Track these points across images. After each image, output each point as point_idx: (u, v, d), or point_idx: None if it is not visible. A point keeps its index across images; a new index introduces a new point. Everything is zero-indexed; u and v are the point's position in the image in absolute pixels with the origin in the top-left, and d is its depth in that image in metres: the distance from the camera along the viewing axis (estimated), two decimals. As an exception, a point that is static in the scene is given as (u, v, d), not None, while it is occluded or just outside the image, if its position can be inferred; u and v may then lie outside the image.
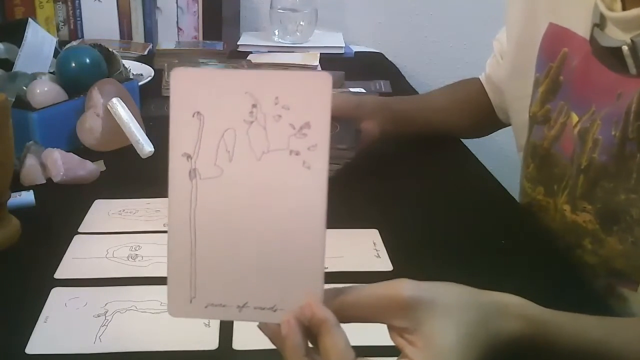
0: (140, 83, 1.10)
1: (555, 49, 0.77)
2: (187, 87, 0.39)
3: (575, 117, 0.74)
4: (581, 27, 0.74)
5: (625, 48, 0.65)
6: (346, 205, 0.76)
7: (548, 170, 0.79)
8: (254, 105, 0.38)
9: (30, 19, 1.05)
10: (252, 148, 0.39)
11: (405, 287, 0.41)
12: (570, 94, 0.76)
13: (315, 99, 0.38)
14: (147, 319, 0.56)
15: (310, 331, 0.40)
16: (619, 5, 0.68)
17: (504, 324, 0.43)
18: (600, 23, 0.70)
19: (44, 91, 0.89)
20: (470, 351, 0.40)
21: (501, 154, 1.22)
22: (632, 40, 0.65)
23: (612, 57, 0.68)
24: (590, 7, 0.71)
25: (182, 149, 0.39)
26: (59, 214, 0.75)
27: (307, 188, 0.39)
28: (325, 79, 0.38)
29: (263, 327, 0.42)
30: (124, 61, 1.06)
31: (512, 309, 0.44)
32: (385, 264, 0.66)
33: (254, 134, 0.39)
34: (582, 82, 0.74)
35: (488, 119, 1.00)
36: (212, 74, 0.40)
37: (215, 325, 0.56)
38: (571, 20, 0.76)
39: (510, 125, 0.99)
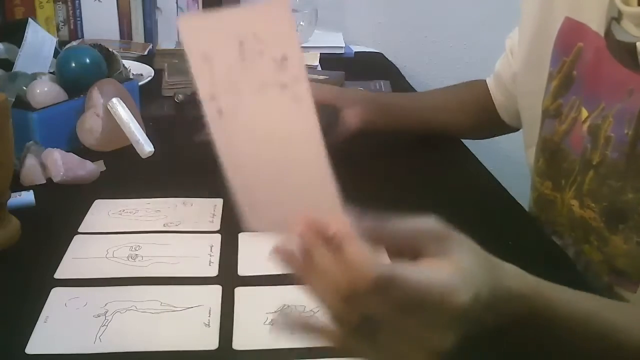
0: (140, 83, 1.10)
1: (571, 43, 0.77)
2: (194, 32, 0.40)
3: (585, 112, 0.74)
4: (595, 22, 0.74)
5: (639, 44, 0.65)
6: (346, 205, 0.76)
7: (557, 165, 0.79)
8: (241, 43, 0.39)
9: (30, 19, 1.05)
10: (251, 83, 0.40)
11: (439, 221, 0.45)
12: (582, 89, 0.76)
13: (280, 28, 0.38)
14: (147, 319, 0.56)
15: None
16: (635, 0, 0.68)
17: (506, 279, 0.45)
18: (617, 17, 0.70)
19: (44, 91, 0.89)
20: (491, 282, 0.43)
21: (502, 155, 1.22)
22: None
23: (625, 52, 0.68)
24: (606, 1, 0.71)
25: (207, 91, 0.41)
26: (59, 214, 0.75)
27: (300, 120, 0.40)
28: (280, 3, 0.38)
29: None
30: (124, 61, 1.06)
31: (512, 270, 0.47)
32: (385, 264, 0.66)
33: (249, 70, 0.40)
34: (593, 77, 0.74)
35: (490, 121, 0.99)
36: (211, 17, 0.40)
37: (215, 325, 0.56)
38: (587, 15, 0.76)
39: (512, 128, 0.99)
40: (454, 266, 0.41)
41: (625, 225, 0.68)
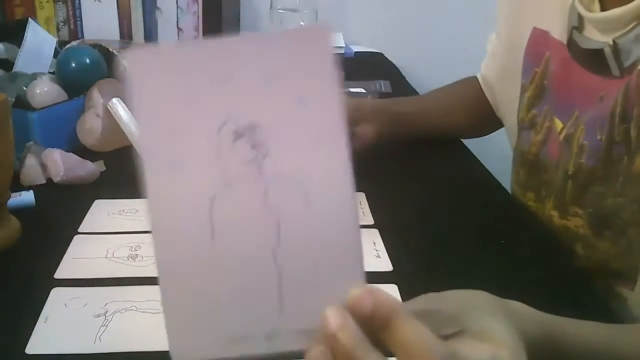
0: (140, 83, 1.10)
1: (540, 53, 0.77)
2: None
3: (559, 123, 0.74)
4: (558, 31, 0.74)
5: (607, 50, 0.65)
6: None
7: (537, 176, 0.79)
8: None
9: (30, 19, 1.05)
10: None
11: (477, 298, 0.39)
12: (552, 99, 0.75)
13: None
14: (147, 319, 0.56)
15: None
16: (597, 6, 0.68)
17: (522, 327, 0.40)
18: (578, 25, 0.70)
19: (44, 91, 0.89)
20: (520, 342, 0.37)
21: (501, 154, 1.22)
22: (614, 42, 0.64)
23: (591, 59, 0.68)
24: (566, 10, 0.71)
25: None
26: (59, 214, 0.75)
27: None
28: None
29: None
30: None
31: (522, 315, 0.42)
32: (385, 264, 0.66)
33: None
34: (563, 87, 0.74)
35: (488, 118, 1.00)
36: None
37: (215, 325, 0.56)
38: (549, 24, 0.75)
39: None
40: (499, 348, 0.36)
41: (610, 231, 0.67)
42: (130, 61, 0.32)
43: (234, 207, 0.33)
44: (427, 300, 0.38)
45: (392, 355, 0.32)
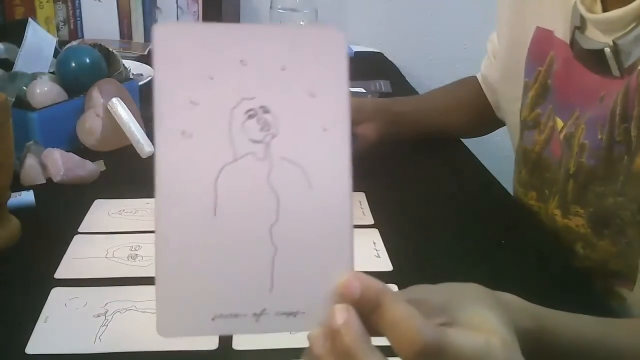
0: (140, 83, 1.10)
1: (543, 52, 0.77)
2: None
3: (559, 122, 0.74)
4: (561, 30, 0.74)
5: (607, 50, 0.65)
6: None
7: (540, 175, 0.79)
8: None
9: (30, 19, 1.05)
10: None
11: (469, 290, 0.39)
12: (555, 98, 0.76)
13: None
14: (147, 319, 0.56)
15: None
16: (599, 7, 0.68)
17: (514, 317, 0.40)
18: (580, 26, 0.70)
19: (44, 91, 0.89)
20: (512, 333, 0.37)
21: (501, 154, 1.22)
22: (614, 42, 0.65)
23: (593, 59, 0.68)
24: (569, 10, 0.71)
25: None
26: (59, 214, 0.75)
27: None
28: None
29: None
30: (124, 61, 1.06)
31: (514, 306, 0.42)
32: (385, 264, 0.66)
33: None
34: (565, 86, 0.74)
35: (488, 117, 1.00)
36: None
37: (215, 325, 0.56)
38: (553, 23, 0.76)
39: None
40: (491, 336, 0.35)
41: (610, 230, 0.67)
42: (157, 33, 0.33)
43: (238, 181, 0.34)
44: (416, 291, 0.38)
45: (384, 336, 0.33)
